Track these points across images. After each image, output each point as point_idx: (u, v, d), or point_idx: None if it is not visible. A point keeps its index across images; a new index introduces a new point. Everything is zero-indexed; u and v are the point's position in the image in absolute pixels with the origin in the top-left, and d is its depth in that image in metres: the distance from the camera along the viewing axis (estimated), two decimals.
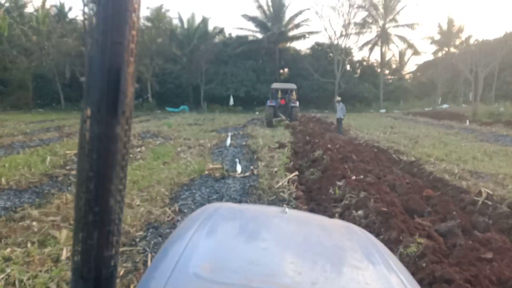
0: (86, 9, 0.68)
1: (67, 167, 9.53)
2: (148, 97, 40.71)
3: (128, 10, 0.68)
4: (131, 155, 11.16)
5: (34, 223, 5.24)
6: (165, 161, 10.37)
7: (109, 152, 0.72)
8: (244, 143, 14.15)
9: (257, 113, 36.62)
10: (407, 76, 55.87)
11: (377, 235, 4.61)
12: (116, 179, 0.74)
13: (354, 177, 7.58)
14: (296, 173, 8.47)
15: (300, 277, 1.07)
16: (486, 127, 20.73)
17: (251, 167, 9.54)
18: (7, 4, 45.45)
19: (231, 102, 38.16)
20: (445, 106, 39.65)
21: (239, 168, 8.76)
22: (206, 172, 8.95)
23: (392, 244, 4.30)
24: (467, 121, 23.61)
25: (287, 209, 1.75)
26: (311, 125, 20.69)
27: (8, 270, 3.95)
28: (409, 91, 49.38)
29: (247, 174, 8.87)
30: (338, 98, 18.48)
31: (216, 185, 7.94)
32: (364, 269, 1.22)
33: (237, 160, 9.74)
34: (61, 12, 46.04)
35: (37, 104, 40.90)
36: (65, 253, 4.40)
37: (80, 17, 38.84)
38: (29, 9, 45.75)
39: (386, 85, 47.49)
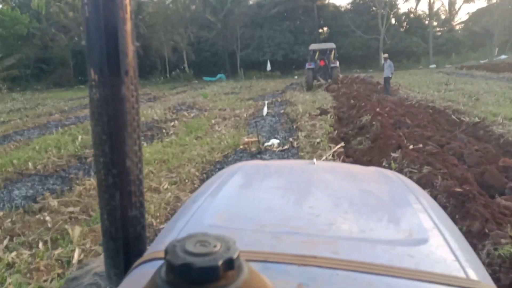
0: None
1: None
2: (184, 67, 40.20)
3: None
4: (163, 131, 10.58)
5: (48, 218, 4.69)
6: (198, 135, 9.67)
7: (118, 113, 0.73)
8: (282, 111, 13.16)
9: (296, 77, 35.10)
10: (457, 27, 51.36)
11: None
12: (130, 140, 0.77)
13: (411, 147, 6.48)
14: (342, 144, 7.46)
15: (316, 219, 1.02)
16: None
17: (290, 138, 8.62)
18: None
19: (269, 67, 36.72)
20: (503, 57, 36.01)
21: (274, 141, 7.87)
22: (241, 146, 8.14)
23: (474, 239, 3.31)
24: None
25: (315, 161, 1.65)
26: (355, 86, 19.22)
27: (9, 280, 3.40)
28: (461, 43, 45.30)
29: (286, 147, 7.97)
30: (385, 55, 16.82)
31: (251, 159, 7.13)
32: (390, 208, 1.14)
33: (273, 139, 8.83)
34: None
35: (78, 81, 41.60)
36: (76, 256, 3.81)
37: None
38: None
39: (436, 38, 43.82)
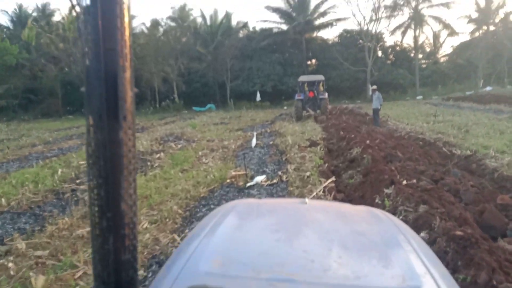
0: (80, 20, 0.70)
1: (78, 181, 8.66)
2: (174, 97, 40.15)
3: (117, 17, 0.69)
4: (148, 163, 10.22)
5: (11, 264, 4.25)
6: (184, 168, 9.33)
7: (115, 157, 0.74)
8: (271, 142, 12.92)
9: (285, 107, 35.22)
10: (442, 60, 52.62)
11: (452, 272, 3.31)
12: (125, 183, 0.76)
13: (405, 182, 6.23)
14: (333, 178, 7.18)
15: (311, 265, 1.03)
16: None
17: (279, 172, 8.32)
18: (34, 14, 46.40)
19: (258, 97, 36.85)
20: (488, 88, 36.66)
21: (258, 178, 7.55)
22: (228, 180, 7.81)
23: None
24: None
25: (307, 200, 1.67)
26: (344, 118, 19.19)
27: None
28: (446, 75, 46.23)
29: (274, 181, 7.66)
30: (374, 87, 16.87)
31: (239, 197, 6.78)
32: (383, 252, 1.15)
33: (258, 177, 8.52)
34: None
35: (66, 111, 41.29)
36: None
37: None
38: (56, 17, 46.36)
39: (421, 70, 44.69)
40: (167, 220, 5.63)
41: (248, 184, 7.40)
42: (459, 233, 3.71)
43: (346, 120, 17.48)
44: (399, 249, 1.18)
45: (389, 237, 1.29)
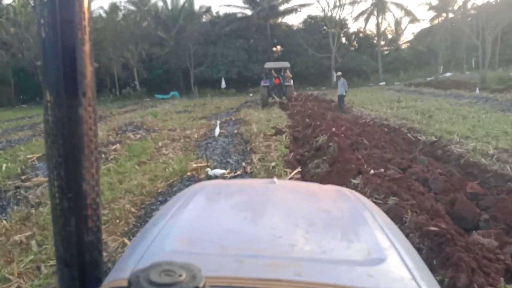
0: None
1: (23, 177, 7.89)
2: (135, 84, 38.70)
3: None
4: (102, 156, 9.53)
5: None
6: (141, 160, 8.74)
7: (75, 135, 0.72)
8: (236, 131, 12.47)
9: (251, 94, 34.73)
10: (403, 46, 53.65)
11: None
12: (87, 163, 0.75)
13: (372, 171, 5.98)
14: (299, 169, 6.86)
15: (279, 241, 1.03)
16: (500, 95, 18.99)
17: (243, 163, 7.92)
18: None
19: (223, 84, 36.12)
20: (448, 74, 37.69)
21: (217, 171, 7.05)
22: (189, 173, 7.32)
23: None
24: (477, 89, 21.86)
25: (276, 180, 1.67)
26: (309, 104, 18.98)
27: None
28: (407, 61, 47.20)
29: (238, 172, 7.25)
30: (338, 73, 16.69)
31: None
32: (349, 227, 1.17)
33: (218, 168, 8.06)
34: None
35: (20, 100, 38.98)
36: None
37: None
38: (6, 0, 43.35)
39: (384, 56, 45.31)
40: (118, 220, 5.10)
41: (210, 173, 6.91)
42: (433, 228, 3.44)
43: (311, 107, 17.26)
44: (365, 225, 1.19)
45: (355, 214, 1.31)
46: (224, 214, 1.32)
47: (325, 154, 7.96)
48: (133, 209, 5.47)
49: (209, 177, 6.95)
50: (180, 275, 0.55)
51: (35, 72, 37.69)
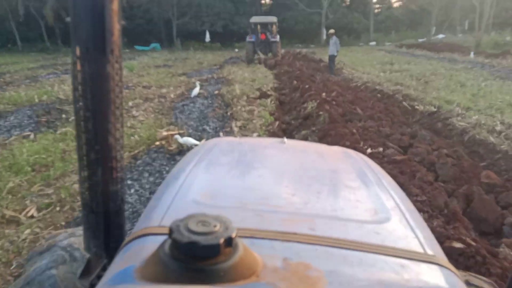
0: None
1: None
2: None
3: None
4: (63, 115, 8.45)
5: None
6: None
7: (102, 91, 0.76)
8: (216, 91, 11.38)
9: (236, 50, 33.11)
10: (395, 5, 51.72)
11: None
12: (113, 117, 0.79)
13: (369, 150, 5.14)
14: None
15: (293, 198, 1.09)
16: (495, 60, 18.19)
17: (221, 132, 6.97)
18: None
19: (207, 38, 34.25)
20: (441, 36, 36.51)
21: (188, 140, 6.01)
22: (157, 142, 6.36)
23: None
24: (471, 53, 20.98)
25: (285, 139, 1.74)
26: (297, 64, 17.80)
27: None
28: (399, 21, 45.57)
29: None
30: (331, 31, 15.42)
31: (168, 168, 5.40)
32: (356, 188, 1.23)
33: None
34: None
35: None
36: None
37: None
38: None
39: (375, 15, 43.59)
40: (63, 204, 4.18)
41: (180, 140, 5.94)
42: (457, 245, 2.64)
43: (299, 67, 16.13)
44: (371, 186, 1.25)
45: (362, 175, 1.35)
46: (240, 171, 1.35)
47: (314, 124, 7.07)
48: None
49: (179, 146, 6.02)
50: (215, 226, 0.59)
51: (6, 18, 35.06)
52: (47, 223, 3.78)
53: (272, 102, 9.23)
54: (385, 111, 8.23)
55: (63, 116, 8.39)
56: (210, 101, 10.14)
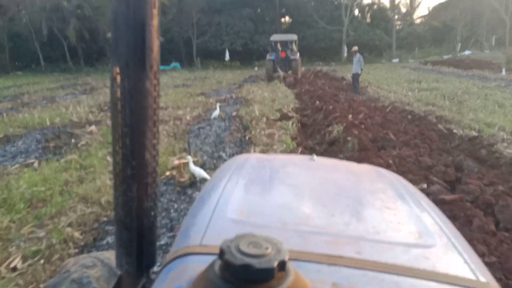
0: None
1: None
2: None
3: None
4: (72, 140, 8.00)
5: None
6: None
7: (140, 107, 0.75)
8: (234, 113, 10.81)
9: (256, 68, 32.79)
10: (418, 21, 50.79)
11: None
12: (150, 133, 0.79)
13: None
14: None
15: (333, 219, 1.06)
16: None
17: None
18: None
19: (227, 57, 34.16)
20: (467, 52, 35.37)
21: (201, 173, 5.31)
22: (168, 173, 5.75)
23: None
24: (503, 70, 19.94)
25: (315, 157, 1.71)
26: (319, 83, 17.17)
27: None
28: (422, 37, 44.62)
29: None
30: (355, 48, 14.75)
31: (176, 205, 4.76)
32: (396, 209, 1.17)
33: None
34: None
35: (15, 66, 37.37)
36: None
37: None
38: None
39: (397, 32, 42.79)
40: (52, 253, 3.57)
41: (192, 168, 5.31)
42: None
43: (321, 86, 15.49)
44: (411, 207, 1.19)
45: (399, 195, 1.29)
46: (274, 189, 1.31)
47: (342, 151, 6.36)
48: (77, 234, 3.93)
49: (192, 177, 5.40)
50: (267, 248, 0.58)
51: (31, 38, 35.90)
52: (28, 279, 3.17)
53: (294, 124, 8.58)
54: (420, 135, 7.44)
55: (72, 141, 7.93)
56: (227, 124, 9.55)
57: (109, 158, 6.63)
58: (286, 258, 0.57)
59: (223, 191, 1.22)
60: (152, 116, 0.77)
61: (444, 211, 3.55)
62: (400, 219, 1.10)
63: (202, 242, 0.89)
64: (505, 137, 7.10)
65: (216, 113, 10.08)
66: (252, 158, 1.74)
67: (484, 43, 38.79)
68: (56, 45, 37.06)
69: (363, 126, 7.49)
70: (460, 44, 38.31)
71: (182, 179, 5.44)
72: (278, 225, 0.97)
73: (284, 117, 9.32)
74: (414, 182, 4.57)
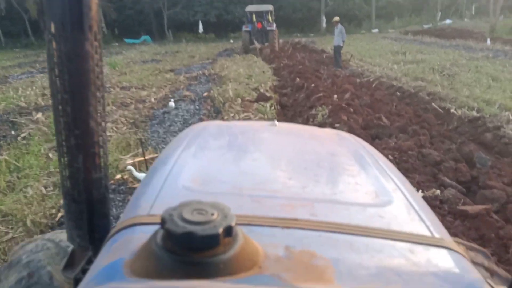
0: None
1: None
2: (102, 27, 34.44)
3: None
4: (12, 132, 6.78)
5: None
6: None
7: (81, 71, 0.70)
8: (206, 93, 9.67)
9: (231, 41, 31.19)
10: None
11: None
12: (93, 100, 0.73)
13: (420, 193, 3.49)
14: None
15: (290, 182, 1.04)
16: None
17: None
18: None
19: (201, 29, 32.37)
20: (448, 21, 34.56)
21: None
22: (118, 176, 4.68)
23: None
24: (488, 40, 19.24)
25: (276, 122, 1.66)
26: (298, 56, 16.05)
27: None
28: (402, 6, 43.47)
29: None
30: (336, 19, 13.61)
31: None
32: (355, 171, 1.17)
33: None
34: None
35: None
36: None
37: None
38: None
39: (377, 1, 41.55)
40: None
41: (135, 174, 4.29)
42: None
43: (301, 60, 14.41)
44: (370, 168, 1.18)
45: (359, 157, 1.29)
46: (232, 155, 1.27)
47: None
48: None
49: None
50: (212, 214, 0.55)
51: None
52: None
53: (272, 107, 7.55)
54: (416, 117, 6.56)
55: (12, 132, 6.71)
56: (197, 106, 8.44)
57: (51, 155, 5.50)
58: (233, 223, 0.55)
59: (178, 159, 1.18)
60: (96, 81, 0.72)
61: (469, 229, 2.63)
62: (358, 180, 1.09)
63: (150, 212, 0.83)
64: (510, 118, 6.29)
65: (171, 105, 8.48)
66: (211, 125, 1.68)
67: (465, 11, 38.06)
68: (16, 19, 34.33)
69: (351, 110, 6.54)
70: (440, 13, 37.45)
71: (136, 185, 4.39)
72: (232, 191, 0.95)
73: (261, 97, 8.27)
74: (422, 186, 3.67)
